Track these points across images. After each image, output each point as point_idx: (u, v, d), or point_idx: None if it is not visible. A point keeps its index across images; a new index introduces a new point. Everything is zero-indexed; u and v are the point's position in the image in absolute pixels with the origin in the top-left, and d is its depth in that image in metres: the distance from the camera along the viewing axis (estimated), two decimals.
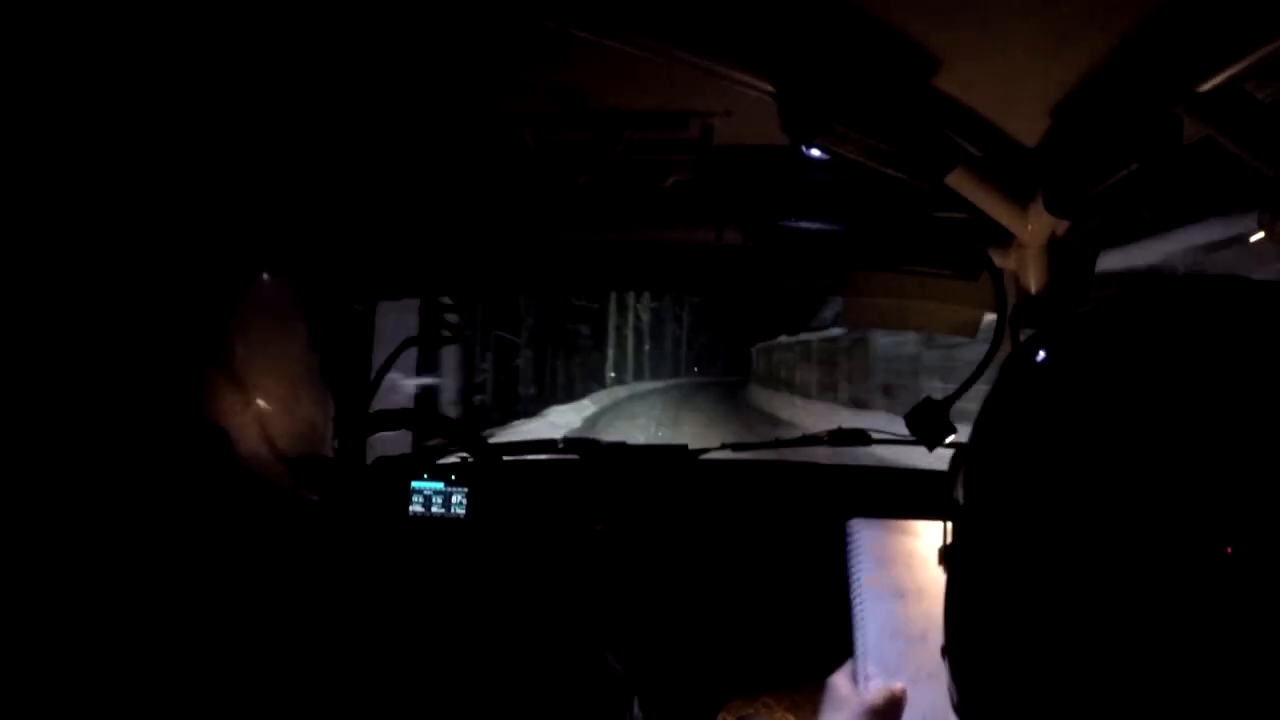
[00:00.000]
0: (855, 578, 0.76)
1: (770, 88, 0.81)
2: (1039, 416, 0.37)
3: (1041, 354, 0.40)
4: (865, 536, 0.77)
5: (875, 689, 0.70)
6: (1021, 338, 1.15)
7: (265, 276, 0.62)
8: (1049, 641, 0.34)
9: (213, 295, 0.59)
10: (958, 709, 0.41)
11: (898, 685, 0.70)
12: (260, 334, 0.62)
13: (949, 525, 0.46)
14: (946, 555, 0.45)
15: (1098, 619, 0.32)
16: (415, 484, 1.43)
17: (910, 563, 0.76)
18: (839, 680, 0.72)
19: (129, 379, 0.55)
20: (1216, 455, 0.31)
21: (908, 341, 12.51)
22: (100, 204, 0.57)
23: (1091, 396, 0.35)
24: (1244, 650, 0.29)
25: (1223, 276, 0.36)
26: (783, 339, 23.30)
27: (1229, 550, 0.29)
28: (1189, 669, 0.30)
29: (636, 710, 0.76)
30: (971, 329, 1.50)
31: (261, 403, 0.61)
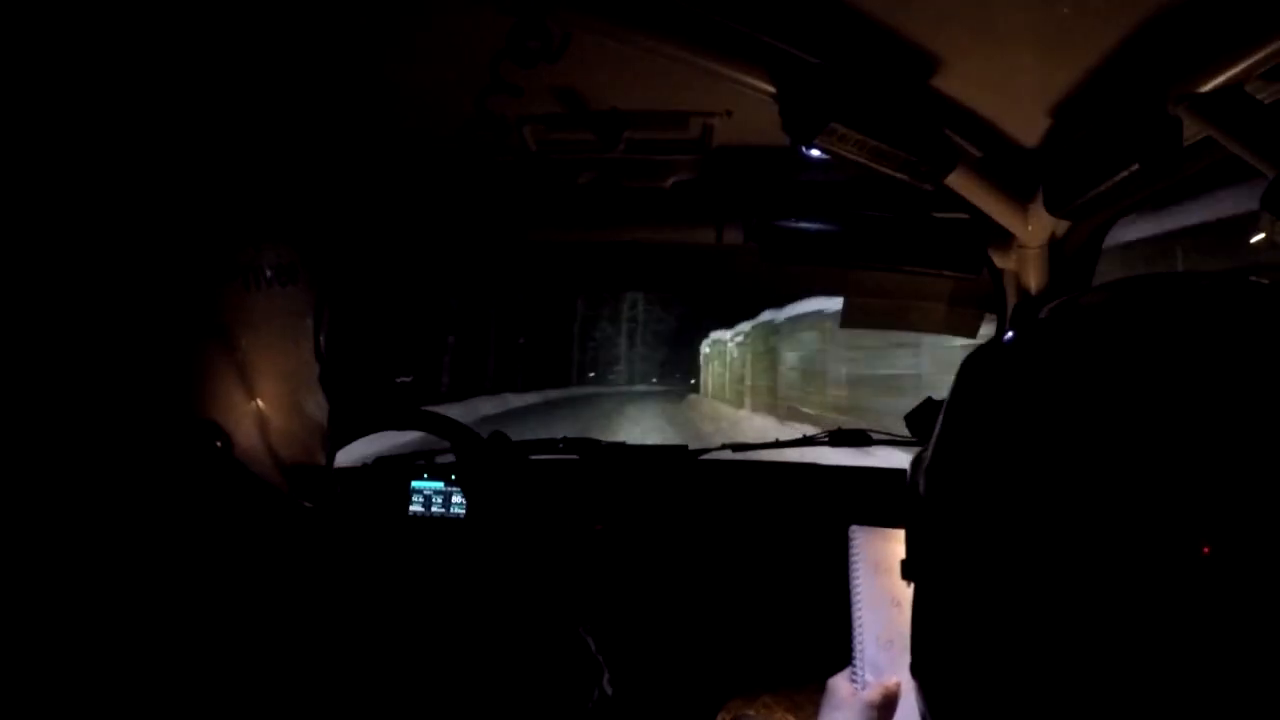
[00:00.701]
0: (854, 585, 0.76)
1: (770, 88, 0.81)
2: (1004, 413, 0.36)
3: (1006, 350, 0.39)
4: (865, 543, 0.77)
5: (872, 687, 0.70)
6: None
7: (274, 279, 0.63)
8: (1016, 653, 0.33)
9: (220, 297, 0.59)
10: None
11: (893, 681, 0.70)
12: (266, 336, 0.62)
13: (907, 530, 0.44)
14: (907, 569, 0.43)
15: (1067, 630, 0.31)
16: (415, 484, 1.43)
17: None
18: (838, 682, 0.72)
19: (133, 379, 0.55)
20: (1191, 453, 0.29)
21: None
22: (109, 207, 0.58)
23: (1057, 393, 0.34)
24: (1222, 658, 0.28)
25: (1194, 274, 0.35)
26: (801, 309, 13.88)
27: (1205, 550, 0.28)
28: (1162, 679, 0.29)
29: (606, 685, 0.76)
30: (972, 329, 1.50)
31: (263, 404, 0.62)
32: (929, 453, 0.41)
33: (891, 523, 0.78)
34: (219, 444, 0.58)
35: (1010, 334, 0.39)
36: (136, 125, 0.77)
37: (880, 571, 0.76)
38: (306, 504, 0.67)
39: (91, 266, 0.55)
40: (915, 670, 0.41)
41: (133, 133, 0.70)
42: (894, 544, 0.77)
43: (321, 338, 0.70)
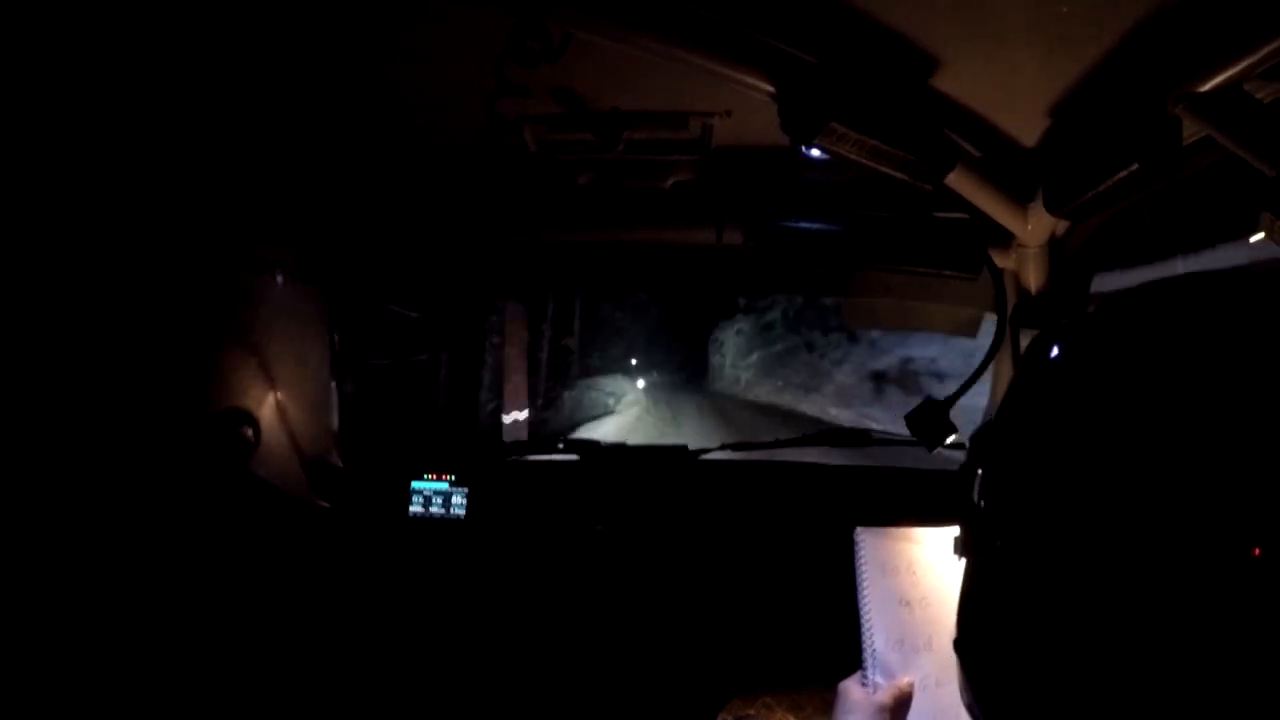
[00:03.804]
0: (862, 587, 0.76)
1: (770, 88, 0.81)
2: (1063, 415, 0.37)
3: (1061, 349, 0.39)
4: (871, 545, 0.77)
5: (884, 689, 0.70)
6: (1021, 337, 1.14)
7: (292, 277, 0.63)
8: (1067, 639, 0.33)
9: (243, 293, 0.60)
10: (969, 706, 0.41)
11: (904, 681, 0.70)
12: (285, 331, 0.63)
13: (962, 528, 0.45)
14: (961, 545, 0.45)
15: (1116, 619, 0.31)
16: (415, 484, 1.43)
17: (914, 570, 0.76)
18: (850, 685, 0.72)
19: (159, 381, 0.56)
20: (1246, 454, 0.29)
21: None
22: (131, 213, 0.58)
23: (1114, 394, 0.34)
24: (1264, 648, 0.28)
25: (1253, 272, 0.35)
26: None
27: (1256, 552, 0.28)
28: (1208, 670, 0.29)
29: None
30: (972, 329, 1.50)
31: (283, 398, 0.62)
32: (993, 431, 0.42)
33: (896, 520, 0.78)
34: (250, 432, 0.59)
35: (1063, 330, 0.40)
36: (157, 131, 0.77)
37: (887, 572, 0.76)
38: (324, 504, 0.68)
39: (120, 265, 0.56)
40: (959, 645, 0.42)
41: (155, 139, 0.71)
42: (900, 544, 0.77)
43: (335, 335, 0.71)
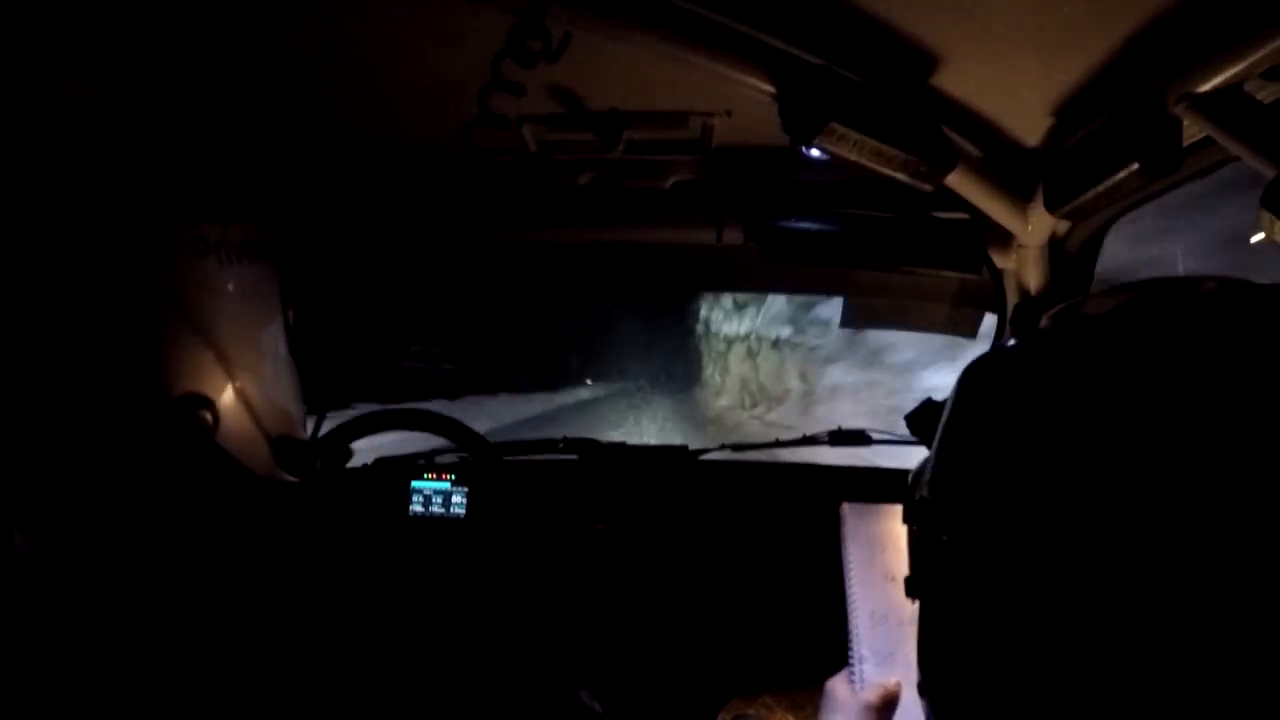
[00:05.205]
0: (847, 563, 0.75)
1: (770, 88, 0.81)
2: (1009, 426, 0.35)
3: (1007, 362, 0.38)
4: (857, 522, 0.76)
5: (871, 687, 0.69)
6: None
7: (241, 255, 0.63)
8: (1026, 670, 0.32)
9: (193, 273, 0.60)
10: None
11: (892, 682, 0.69)
12: (239, 311, 0.63)
13: (910, 545, 0.43)
14: (911, 586, 0.42)
15: (1077, 645, 0.30)
16: (415, 484, 1.43)
17: (901, 546, 0.75)
18: (836, 683, 0.72)
19: (109, 360, 0.55)
20: (1199, 465, 0.29)
21: None
22: (73, 189, 0.58)
23: (1063, 406, 0.33)
24: (1232, 670, 0.27)
25: (1196, 278, 0.35)
26: None
27: (1208, 562, 0.27)
28: (1172, 691, 0.28)
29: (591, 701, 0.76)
30: (972, 329, 1.50)
31: (243, 377, 0.62)
32: (930, 465, 0.40)
33: (883, 499, 0.77)
34: (208, 417, 0.58)
35: (1011, 343, 0.38)
36: (106, 112, 0.77)
37: (874, 548, 0.75)
38: (290, 478, 0.67)
39: (57, 250, 0.55)
40: (923, 689, 0.40)
41: (102, 119, 0.70)
42: (886, 520, 0.76)
43: (290, 312, 0.71)
